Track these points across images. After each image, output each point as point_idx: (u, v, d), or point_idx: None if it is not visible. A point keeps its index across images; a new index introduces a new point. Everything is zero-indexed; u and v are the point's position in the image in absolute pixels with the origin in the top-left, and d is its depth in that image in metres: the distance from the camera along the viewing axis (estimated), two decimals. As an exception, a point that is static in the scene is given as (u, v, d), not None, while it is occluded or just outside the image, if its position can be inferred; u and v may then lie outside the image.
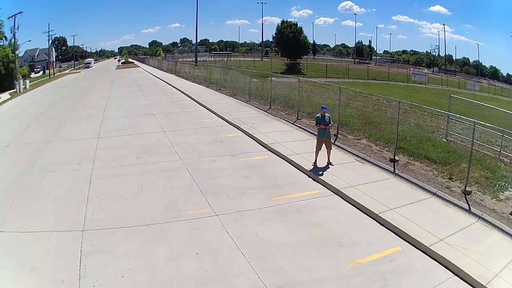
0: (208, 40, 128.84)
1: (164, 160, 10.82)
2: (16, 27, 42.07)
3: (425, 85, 50.88)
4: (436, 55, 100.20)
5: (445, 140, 12.42)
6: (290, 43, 54.62)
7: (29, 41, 73.78)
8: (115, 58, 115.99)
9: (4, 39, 43.83)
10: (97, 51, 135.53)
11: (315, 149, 10.06)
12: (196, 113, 18.34)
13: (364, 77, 48.58)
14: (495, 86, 64.34)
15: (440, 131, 13.26)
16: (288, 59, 55.50)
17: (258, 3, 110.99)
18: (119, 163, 10.63)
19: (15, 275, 5.62)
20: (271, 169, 10.18)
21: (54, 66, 67.54)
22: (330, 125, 10.02)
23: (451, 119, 12.64)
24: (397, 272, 5.77)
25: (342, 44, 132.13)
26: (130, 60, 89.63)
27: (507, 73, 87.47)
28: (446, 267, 5.91)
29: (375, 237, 6.81)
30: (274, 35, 59.95)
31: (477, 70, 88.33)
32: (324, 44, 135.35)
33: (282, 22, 57.74)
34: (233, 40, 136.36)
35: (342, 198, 8.36)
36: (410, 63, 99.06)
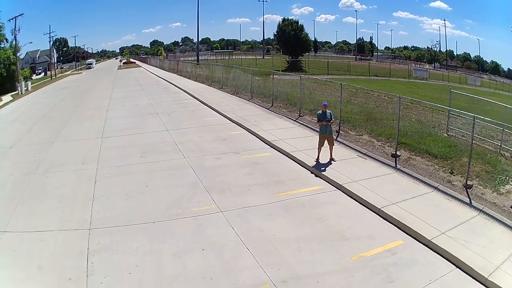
0: (210, 39, 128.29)
1: (168, 159, 10.92)
2: (17, 29, 42.25)
3: (426, 80, 50.73)
4: (437, 50, 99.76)
5: (446, 135, 12.45)
6: (291, 40, 54.40)
7: (30, 42, 74.68)
8: (116, 58, 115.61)
9: (5, 41, 43.85)
10: (98, 51, 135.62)
11: (317, 146, 10.16)
12: (199, 111, 18.44)
13: (365, 73, 48.50)
14: (496, 81, 64.28)
15: (441, 126, 13.28)
16: (290, 57, 55.33)
17: (259, 1, 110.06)
18: (124, 162, 10.73)
19: (22, 275, 5.65)
20: (274, 166, 10.28)
21: (56, 68, 67.58)
22: (331, 121, 10.11)
23: (452, 114, 12.68)
24: (400, 265, 5.86)
25: (343, 41, 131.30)
26: (131, 60, 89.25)
27: (508, 68, 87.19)
28: (448, 260, 5.98)
29: (378, 231, 6.90)
30: (275, 33, 59.64)
31: (478, 65, 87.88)
32: (326, 41, 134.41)
33: (283, 19, 57.45)
34: (235, 39, 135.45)
35: (345, 193, 8.45)
36: (412, 59, 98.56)
